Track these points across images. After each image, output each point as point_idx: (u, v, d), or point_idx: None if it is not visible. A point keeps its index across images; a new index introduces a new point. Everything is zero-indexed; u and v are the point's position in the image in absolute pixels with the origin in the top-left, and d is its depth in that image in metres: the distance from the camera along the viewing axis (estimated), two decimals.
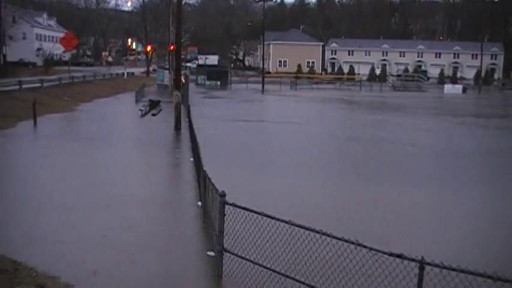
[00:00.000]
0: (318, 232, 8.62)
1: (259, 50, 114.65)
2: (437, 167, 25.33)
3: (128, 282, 10.31)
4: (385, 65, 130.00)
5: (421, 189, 20.15)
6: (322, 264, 9.35)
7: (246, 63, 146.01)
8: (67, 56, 79.94)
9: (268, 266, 9.86)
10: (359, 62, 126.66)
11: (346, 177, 22.54)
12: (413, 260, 7.47)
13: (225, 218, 10.20)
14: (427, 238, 14.29)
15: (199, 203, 15.50)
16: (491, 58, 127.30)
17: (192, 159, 21.92)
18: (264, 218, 9.44)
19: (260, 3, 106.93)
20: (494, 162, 27.27)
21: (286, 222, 9.07)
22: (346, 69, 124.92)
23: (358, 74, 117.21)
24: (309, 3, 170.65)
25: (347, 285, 9.10)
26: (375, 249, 7.96)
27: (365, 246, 8.05)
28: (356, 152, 29.61)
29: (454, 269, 7.25)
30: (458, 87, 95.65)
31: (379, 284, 8.81)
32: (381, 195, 19.11)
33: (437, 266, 7.33)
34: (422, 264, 7.38)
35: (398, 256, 7.61)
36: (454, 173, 23.78)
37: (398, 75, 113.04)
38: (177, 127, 32.52)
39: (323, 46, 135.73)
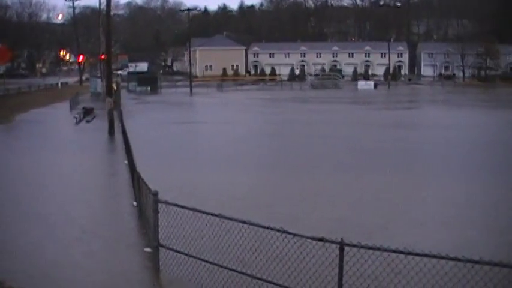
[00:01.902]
0: (245, 223, 8.69)
1: (186, 55, 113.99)
2: (350, 156, 25.81)
3: (68, 282, 10.14)
4: (303, 65, 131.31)
5: (335, 176, 20.59)
6: (251, 252, 9.43)
7: (175, 68, 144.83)
8: (1, 69, 77.43)
9: (202, 257, 9.87)
10: (279, 64, 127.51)
11: (271, 170, 22.70)
12: (333, 242, 7.62)
13: (160, 215, 10.16)
14: (340, 216, 14.56)
15: (135, 202, 15.36)
16: (398, 56, 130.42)
17: (126, 161, 21.66)
18: (197, 213, 9.47)
19: (186, 12, 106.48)
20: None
21: (217, 216, 9.10)
22: (268, 70, 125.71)
23: (279, 74, 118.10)
24: (231, 10, 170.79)
25: (275, 270, 9.19)
26: (299, 235, 8.07)
27: (289, 233, 8.15)
28: (281, 146, 29.92)
29: (370, 248, 7.48)
30: (370, 83, 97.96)
31: (304, 267, 8.93)
32: (304, 185, 19.39)
33: (355, 246, 7.53)
34: (342, 245, 7.54)
35: (320, 239, 7.74)
36: (367, 160, 24.33)
37: (316, 75, 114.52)
38: (111, 132, 32.07)
39: (246, 50, 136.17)
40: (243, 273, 9.16)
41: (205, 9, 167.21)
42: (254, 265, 9.40)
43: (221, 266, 9.49)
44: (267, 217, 11.99)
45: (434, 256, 7.11)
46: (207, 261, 9.70)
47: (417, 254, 7.21)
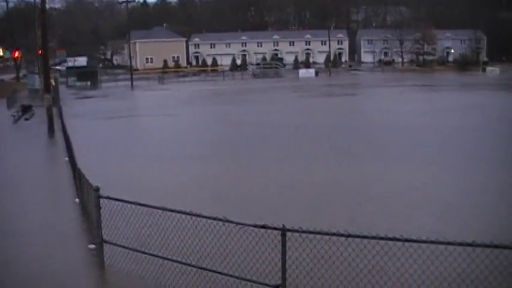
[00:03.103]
0: (188, 214, 8.76)
1: (126, 48, 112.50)
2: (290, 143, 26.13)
3: (10, 283, 10.03)
4: (245, 55, 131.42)
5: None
6: (195, 243, 9.53)
7: (115, 62, 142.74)
8: None
9: (147, 251, 9.91)
10: (221, 54, 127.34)
11: (216, 160, 22.79)
12: (275, 228, 7.79)
13: (102, 210, 10.13)
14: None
15: (77, 199, 15.22)
16: (338, 43, 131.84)
17: (67, 158, 21.37)
18: (141, 207, 9.49)
19: (124, 4, 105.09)
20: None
21: (160, 208, 9.15)
22: (209, 61, 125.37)
23: (221, 65, 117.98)
24: (170, 2, 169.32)
25: (219, 259, 9.32)
26: (242, 223, 8.21)
27: (232, 222, 8.28)
28: (225, 136, 30.03)
29: (311, 232, 7.70)
30: (312, 71, 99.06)
31: (248, 253, 9.06)
32: (248, 174, 19.58)
33: (296, 231, 7.72)
34: (284, 231, 7.72)
35: (263, 227, 7.91)
36: (311, 147, 24.68)
37: (258, 64, 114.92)
38: (51, 129, 31.52)
39: (186, 41, 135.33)
40: (188, 264, 9.25)
41: (144, 1, 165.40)
42: (199, 255, 9.51)
43: (166, 259, 9.54)
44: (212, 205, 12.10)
45: (373, 237, 7.39)
46: (152, 255, 9.74)
47: (357, 236, 7.47)
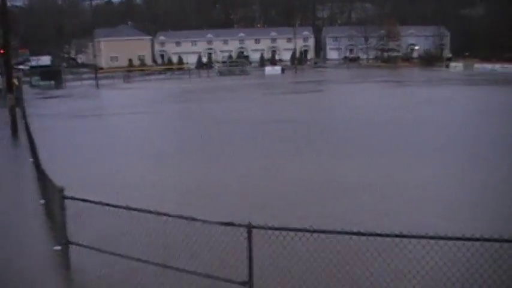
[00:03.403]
0: (154, 213, 8.76)
1: (90, 47, 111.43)
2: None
3: None
4: (210, 53, 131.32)
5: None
6: (162, 242, 9.52)
7: (79, 61, 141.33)
8: None
9: (113, 251, 9.86)
10: (187, 52, 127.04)
11: (183, 158, 22.73)
12: (241, 225, 7.84)
13: (68, 211, 10.06)
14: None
15: (42, 201, 15.06)
16: (304, 41, 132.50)
17: (31, 159, 21.10)
18: (108, 207, 9.45)
19: (88, 2, 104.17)
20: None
21: (124, 208, 9.12)
22: (175, 59, 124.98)
23: (187, 63, 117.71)
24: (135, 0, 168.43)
25: (186, 258, 9.32)
26: (208, 221, 8.23)
27: (198, 220, 8.30)
28: (191, 133, 29.97)
29: (277, 228, 7.77)
30: (278, 69, 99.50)
31: (215, 251, 9.09)
32: (210, 170, 19.58)
33: (262, 227, 7.78)
34: (249, 228, 7.77)
35: (229, 224, 7.96)
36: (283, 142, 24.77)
37: (224, 62, 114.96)
38: (14, 130, 31.05)
39: (152, 40, 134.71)
40: (155, 264, 9.24)
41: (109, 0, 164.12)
42: (166, 254, 9.50)
43: (133, 259, 9.51)
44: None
45: (338, 232, 7.51)
46: (118, 255, 9.70)
47: (331, 232, 7.57)
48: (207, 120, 34.95)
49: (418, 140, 24.85)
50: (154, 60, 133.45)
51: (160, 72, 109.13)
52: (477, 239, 6.97)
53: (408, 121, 31.62)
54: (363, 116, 34.19)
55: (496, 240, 6.95)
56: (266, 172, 19.20)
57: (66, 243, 10.29)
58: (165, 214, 8.56)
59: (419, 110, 36.87)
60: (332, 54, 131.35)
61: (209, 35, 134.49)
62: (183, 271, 8.91)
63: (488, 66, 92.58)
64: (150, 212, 8.82)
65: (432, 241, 7.20)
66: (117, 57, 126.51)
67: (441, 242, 7.18)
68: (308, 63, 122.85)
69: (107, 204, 9.42)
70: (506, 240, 6.96)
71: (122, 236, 10.20)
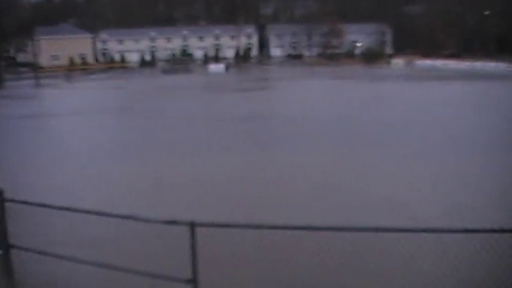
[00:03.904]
0: (96, 213, 8.69)
1: (30, 46, 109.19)
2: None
3: None
4: (153, 51, 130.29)
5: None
6: (105, 242, 9.46)
7: (19, 60, 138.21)
8: None
9: (56, 253, 9.74)
10: (129, 50, 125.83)
11: (128, 158, 22.55)
12: (184, 223, 7.85)
13: (7, 214, 9.86)
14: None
15: None
16: (247, 38, 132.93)
17: None
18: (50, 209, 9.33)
19: None
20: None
21: (66, 209, 9.02)
22: (117, 58, 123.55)
23: (130, 61, 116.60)
24: None
25: (130, 257, 9.29)
26: (151, 220, 8.22)
27: (141, 219, 8.28)
28: (142, 132, 29.77)
29: (220, 225, 7.83)
30: (221, 66, 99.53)
31: (159, 249, 9.09)
32: (155, 168, 19.50)
33: (205, 225, 7.82)
34: (192, 225, 7.80)
35: (172, 222, 7.96)
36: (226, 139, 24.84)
37: (167, 60, 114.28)
38: None
39: (94, 38, 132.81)
40: (99, 265, 9.16)
41: None
42: (110, 254, 9.44)
43: (77, 260, 9.41)
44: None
45: (283, 227, 7.63)
46: (62, 257, 9.58)
47: (275, 227, 7.69)
48: (155, 119, 34.67)
49: (355, 136, 25.33)
50: (96, 59, 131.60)
51: (102, 71, 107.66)
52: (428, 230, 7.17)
53: (350, 119, 32.12)
54: (299, 114, 34.60)
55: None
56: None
57: (7, 247, 10.09)
58: (107, 214, 8.52)
59: (364, 108, 37.50)
60: (276, 52, 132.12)
61: (152, 33, 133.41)
62: (127, 271, 8.88)
63: (429, 62, 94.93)
64: (92, 212, 8.75)
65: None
66: (58, 55, 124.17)
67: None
68: (252, 60, 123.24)
69: (48, 206, 9.27)
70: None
71: (66, 237, 10.09)
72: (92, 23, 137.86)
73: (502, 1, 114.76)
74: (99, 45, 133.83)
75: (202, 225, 7.78)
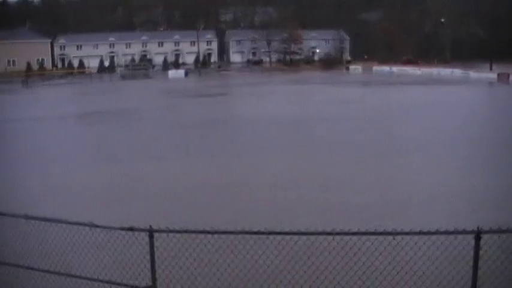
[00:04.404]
0: (52, 221, 8.60)
1: None
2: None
3: None
4: (113, 56, 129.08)
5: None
6: (63, 250, 9.37)
7: None
8: None
9: (9, 262, 9.62)
10: (88, 56, 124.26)
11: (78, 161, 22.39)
12: (142, 229, 7.85)
13: None
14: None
15: None
16: (207, 44, 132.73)
17: None
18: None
19: None
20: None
21: (21, 217, 8.90)
22: (76, 63, 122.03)
23: (88, 67, 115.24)
24: (33, 1, 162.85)
25: (88, 265, 9.24)
26: (108, 227, 8.19)
27: (98, 226, 8.23)
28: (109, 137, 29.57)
29: (178, 231, 7.86)
30: (181, 72, 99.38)
31: (117, 257, 9.06)
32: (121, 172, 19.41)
33: (163, 231, 7.84)
34: (151, 232, 7.81)
35: (130, 229, 7.95)
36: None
37: (127, 66, 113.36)
38: None
39: (51, 43, 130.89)
40: (56, 273, 9.08)
41: (4, 0, 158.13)
42: (67, 262, 9.38)
43: (33, 269, 9.31)
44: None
45: (239, 232, 7.69)
46: (17, 266, 9.48)
47: (231, 232, 7.74)
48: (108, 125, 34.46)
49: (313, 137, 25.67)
50: (54, 64, 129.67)
51: (61, 77, 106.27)
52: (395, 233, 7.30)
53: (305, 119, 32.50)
54: (272, 116, 34.85)
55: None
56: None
57: None
58: (64, 222, 8.44)
59: (320, 110, 37.97)
60: (235, 58, 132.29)
61: (111, 38, 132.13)
62: (85, 279, 8.83)
63: (386, 68, 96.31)
64: (49, 219, 8.66)
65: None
66: (14, 60, 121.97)
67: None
68: (212, 66, 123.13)
69: (3, 214, 9.18)
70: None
71: (20, 245, 9.98)
72: (50, 28, 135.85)
73: (457, 8, 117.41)
74: (57, 51, 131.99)
75: (160, 231, 7.80)
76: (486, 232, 6.66)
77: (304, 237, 8.05)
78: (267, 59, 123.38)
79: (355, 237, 7.41)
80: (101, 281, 8.68)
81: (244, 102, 49.02)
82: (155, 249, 7.80)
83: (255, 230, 7.55)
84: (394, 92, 56.34)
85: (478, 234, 6.66)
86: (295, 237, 7.96)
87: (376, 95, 52.51)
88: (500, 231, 6.81)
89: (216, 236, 7.78)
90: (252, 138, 27.45)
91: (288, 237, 7.92)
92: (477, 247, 6.66)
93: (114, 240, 8.62)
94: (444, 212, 14.07)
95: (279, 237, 7.79)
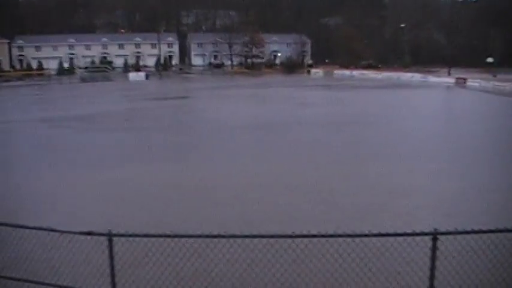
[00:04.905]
0: (9, 225, 8.51)
1: None
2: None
3: None
4: (72, 58, 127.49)
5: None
6: (20, 256, 9.25)
7: None
8: None
9: None
10: (47, 57, 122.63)
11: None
12: (102, 234, 7.80)
13: None
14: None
15: None
16: (169, 47, 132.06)
17: None
18: None
19: None
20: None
21: None
22: (35, 65, 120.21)
23: (47, 69, 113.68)
24: None
25: (47, 270, 9.12)
26: (67, 231, 8.12)
27: (56, 231, 8.14)
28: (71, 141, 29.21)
29: (137, 235, 7.84)
30: (142, 75, 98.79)
31: (76, 261, 8.98)
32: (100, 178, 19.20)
33: (122, 235, 7.81)
34: (110, 236, 7.76)
35: (89, 233, 7.89)
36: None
37: (86, 68, 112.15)
38: None
39: (9, 44, 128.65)
40: (13, 279, 8.99)
41: None
42: (25, 268, 9.25)
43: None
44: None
45: (190, 236, 7.71)
46: None
47: (190, 236, 7.75)
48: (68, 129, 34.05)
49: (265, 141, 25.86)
50: (12, 66, 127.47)
51: (19, 79, 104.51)
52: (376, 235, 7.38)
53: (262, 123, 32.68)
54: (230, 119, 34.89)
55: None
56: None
57: None
58: (21, 226, 8.35)
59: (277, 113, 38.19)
60: (197, 61, 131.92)
61: (71, 40, 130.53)
62: (44, 284, 8.73)
63: (347, 72, 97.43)
64: (5, 224, 8.55)
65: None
66: None
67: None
68: (173, 69, 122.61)
69: None
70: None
71: None
72: (7, 29, 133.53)
73: (417, 14, 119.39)
74: (15, 52, 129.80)
75: (119, 235, 7.76)
76: (442, 233, 6.82)
77: (264, 240, 8.09)
78: (229, 62, 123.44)
79: (315, 240, 7.46)
80: (59, 287, 8.58)
81: (207, 105, 48.96)
82: (114, 253, 7.77)
83: (215, 234, 7.57)
84: (361, 94, 57.10)
85: (435, 236, 6.83)
86: (255, 240, 8.00)
87: (343, 98, 52.92)
88: (456, 232, 6.97)
89: (176, 239, 7.76)
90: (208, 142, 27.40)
91: (247, 240, 7.96)
92: (434, 248, 6.81)
93: (73, 245, 8.55)
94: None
95: (239, 240, 7.81)
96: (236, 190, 16.93)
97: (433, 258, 6.92)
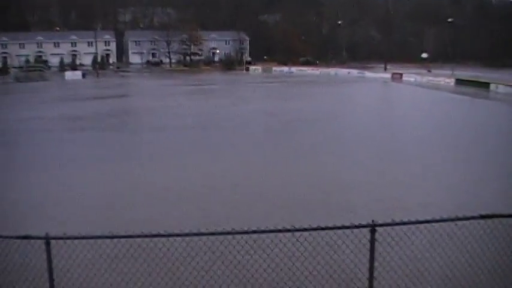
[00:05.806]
0: None
1: None
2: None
3: None
4: (5, 57, 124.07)
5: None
6: None
7: None
8: None
9: None
10: None
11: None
12: (38, 237, 7.57)
13: None
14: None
15: None
16: (106, 45, 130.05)
17: None
18: None
19: None
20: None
21: None
22: None
23: None
24: None
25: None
26: (3, 236, 7.89)
27: (10, 237, 7.87)
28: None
29: (76, 237, 7.67)
30: (78, 73, 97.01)
31: (13, 266, 8.75)
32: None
33: (60, 238, 7.63)
34: (47, 239, 7.56)
35: (26, 237, 7.65)
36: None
37: (21, 67, 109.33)
38: None
39: None
40: None
41: None
42: None
43: None
44: None
45: (129, 236, 7.59)
46: None
47: (130, 236, 7.61)
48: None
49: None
50: None
51: None
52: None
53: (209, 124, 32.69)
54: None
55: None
56: None
57: None
58: None
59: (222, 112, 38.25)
60: (135, 58, 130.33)
61: (4, 39, 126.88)
62: None
63: (285, 69, 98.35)
64: None
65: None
66: None
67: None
68: (110, 67, 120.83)
69: None
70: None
71: None
72: None
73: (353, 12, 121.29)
74: None
75: (57, 238, 7.57)
76: (380, 225, 6.93)
77: (204, 238, 8.05)
78: (167, 60, 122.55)
79: (255, 235, 7.46)
80: None
81: (141, 103, 48.53)
82: (52, 257, 7.58)
83: (154, 233, 7.48)
84: (302, 90, 57.63)
85: (373, 228, 6.93)
86: (195, 238, 7.95)
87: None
88: (393, 223, 7.09)
89: (115, 240, 7.63)
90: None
91: (188, 238, 7.89)
92: (373, 239, 6.92)
93: (9, 250, 8.31)
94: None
95: (179, 239, 7.75)
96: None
97: (372, 249, 7.01)
